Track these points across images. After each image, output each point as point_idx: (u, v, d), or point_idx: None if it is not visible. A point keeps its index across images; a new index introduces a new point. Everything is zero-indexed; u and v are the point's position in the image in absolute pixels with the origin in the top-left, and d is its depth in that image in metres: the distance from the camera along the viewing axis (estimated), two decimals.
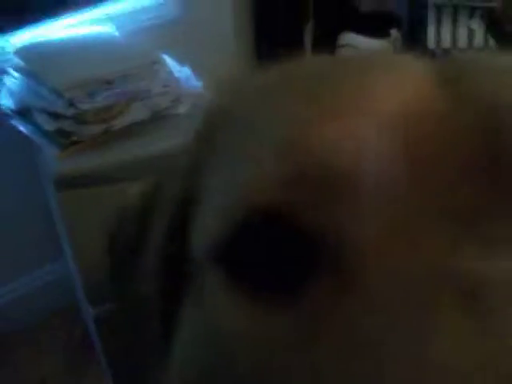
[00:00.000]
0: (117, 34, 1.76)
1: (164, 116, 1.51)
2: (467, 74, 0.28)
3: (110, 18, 1.87)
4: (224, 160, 0.30)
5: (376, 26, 2.44)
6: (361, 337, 0.21)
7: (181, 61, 1.71)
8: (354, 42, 2.32)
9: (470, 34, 2.40)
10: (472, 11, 2.50)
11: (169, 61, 1.63)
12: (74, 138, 1.38)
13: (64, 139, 1.38)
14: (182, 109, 1.53)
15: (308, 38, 2.44)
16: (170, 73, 1.57)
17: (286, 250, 0.25)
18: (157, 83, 1.50)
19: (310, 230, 0.24)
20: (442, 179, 0.24)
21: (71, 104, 1.37)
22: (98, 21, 1.83)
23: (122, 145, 1.42)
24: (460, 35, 2.41)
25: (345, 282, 0.23)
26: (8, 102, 1.48)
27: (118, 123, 1.43)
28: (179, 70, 1.67)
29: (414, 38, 2.44)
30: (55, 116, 1.38)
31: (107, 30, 1.78)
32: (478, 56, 0.31)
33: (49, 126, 1.38)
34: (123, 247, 0.42)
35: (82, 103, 1.38)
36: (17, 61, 1.54)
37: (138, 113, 1.45)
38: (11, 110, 1.46)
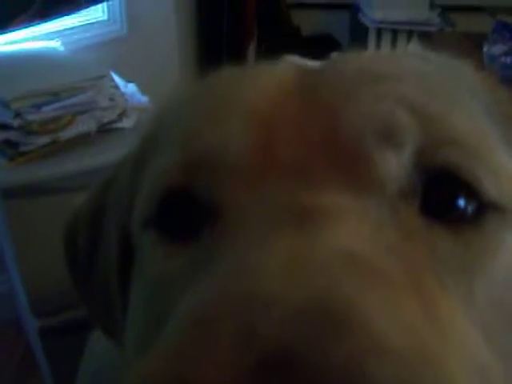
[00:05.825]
0: (62, 49, 1.77)
1: (110, 129, 1.53)
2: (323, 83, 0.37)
3: (55, 35, 1.88)
4: (152, 156, 0.41)
5: (317, 49, 2.51)
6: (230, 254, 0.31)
7: (126, 78, 1.73)
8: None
9: None
10: (410, 35, 2.59)
11: (114, 77, 1.65)
12: (22, 149, 1.39)
13: (11, 150, 1.38)
14: (127, 123, 1.56)
15: (251, 56, 2.49)
16: (116, 87, 1.59)
17: (189, 211, 0.36)
18: (103, 97, 1.52)
19: (202, 197, 0.35)
20: (290, 154, 0.34)
21: (18, 114, 1.38)
22: (43, 36, 1.84)
23: (68, 156, 1.43)
24: None
25: (224, 229, 0.33)
26: None
27: (65, 134, 1.44)
28: (125, 86, 1.69)
29: None
30: (2, 127, 1.39)
31: (52, 45, 1.79)
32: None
33: None
34: (84, 241, 0.48)
35: (28, 114, 1.39)
36: None
37: (84, 125, 1.47)
38: None
